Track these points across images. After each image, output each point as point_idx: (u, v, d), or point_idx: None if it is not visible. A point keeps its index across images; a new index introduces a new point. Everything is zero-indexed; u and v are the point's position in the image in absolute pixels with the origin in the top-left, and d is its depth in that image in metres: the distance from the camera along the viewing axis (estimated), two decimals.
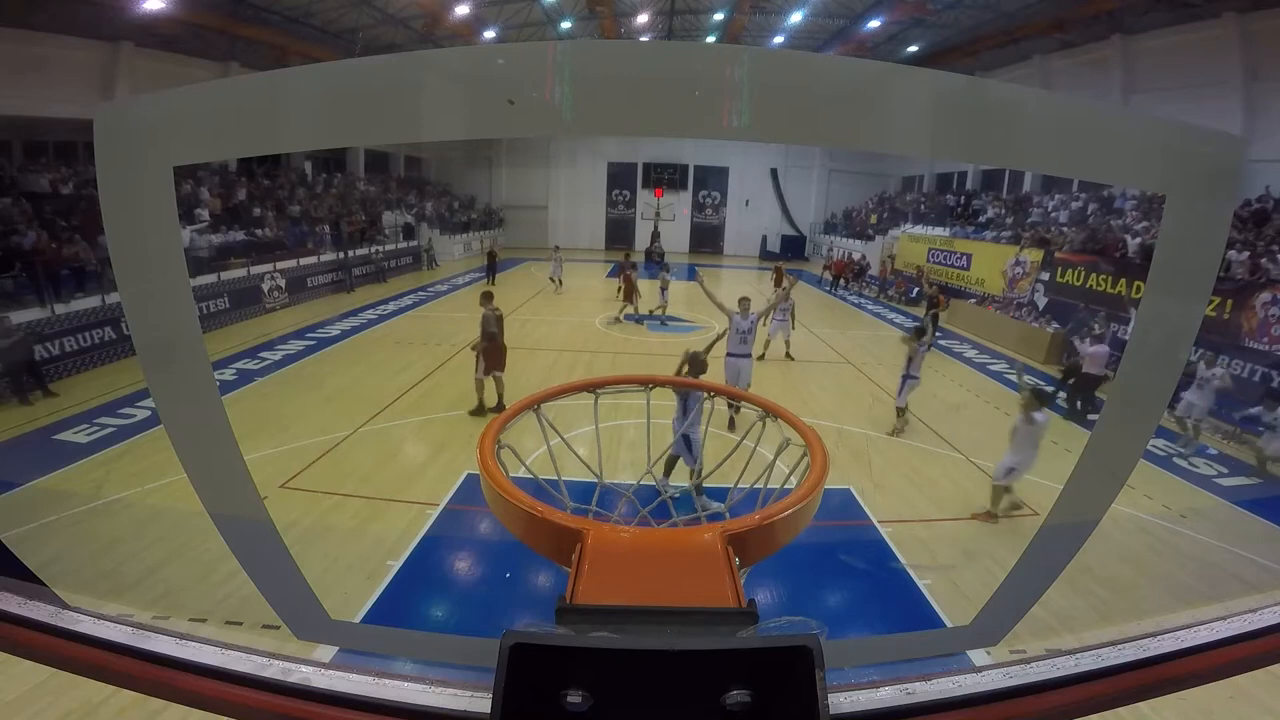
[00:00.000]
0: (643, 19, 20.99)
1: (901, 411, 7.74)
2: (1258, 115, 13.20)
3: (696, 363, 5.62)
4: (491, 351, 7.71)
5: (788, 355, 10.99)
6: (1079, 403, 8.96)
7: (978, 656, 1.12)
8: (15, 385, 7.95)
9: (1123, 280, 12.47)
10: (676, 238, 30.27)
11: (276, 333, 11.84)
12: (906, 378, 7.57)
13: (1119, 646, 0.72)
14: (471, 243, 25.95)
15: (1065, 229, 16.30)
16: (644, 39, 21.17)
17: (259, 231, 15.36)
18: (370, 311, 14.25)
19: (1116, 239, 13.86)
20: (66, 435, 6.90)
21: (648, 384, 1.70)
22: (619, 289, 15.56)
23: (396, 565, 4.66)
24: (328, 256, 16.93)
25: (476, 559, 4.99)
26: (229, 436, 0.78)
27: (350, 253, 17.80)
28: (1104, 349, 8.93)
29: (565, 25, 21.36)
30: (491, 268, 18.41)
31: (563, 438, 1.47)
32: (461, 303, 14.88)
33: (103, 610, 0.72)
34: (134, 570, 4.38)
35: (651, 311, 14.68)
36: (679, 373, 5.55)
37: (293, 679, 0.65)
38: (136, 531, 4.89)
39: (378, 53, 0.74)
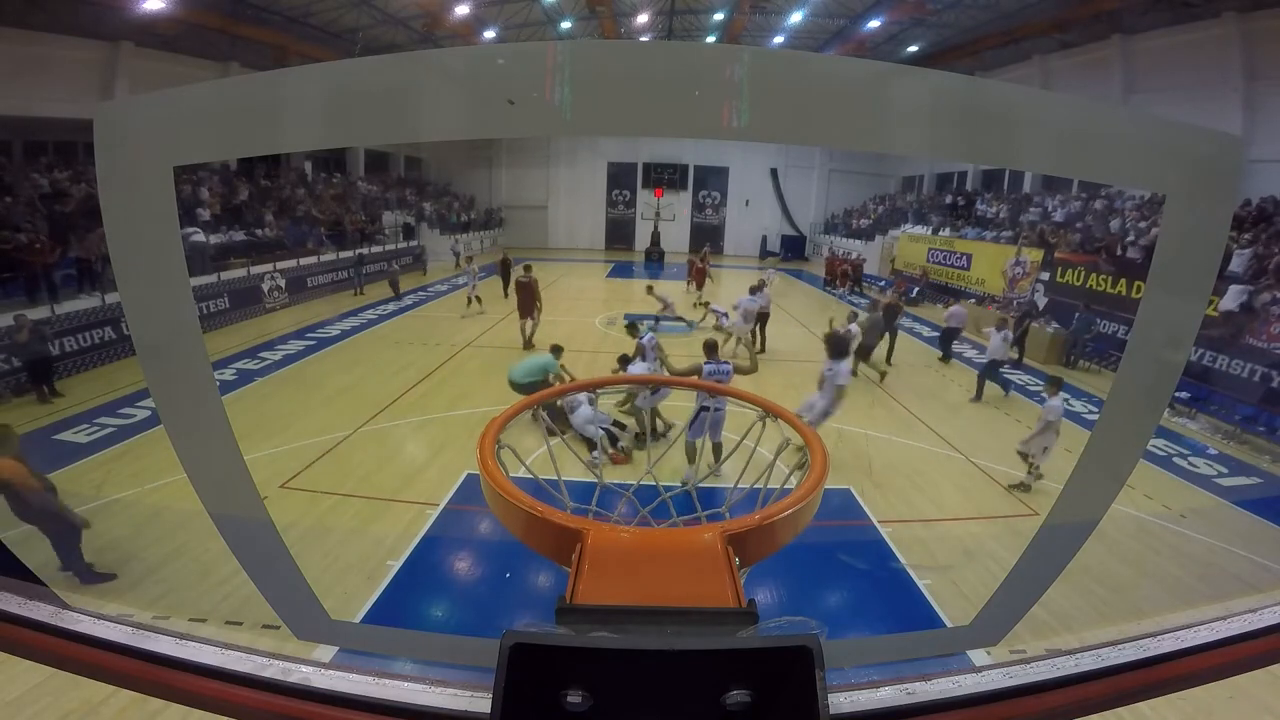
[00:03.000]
0: (643, 19, 20.97)
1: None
2: (1258, 115, 13.18)
3: (837, 341, 6.87)
4: (520, 301, 11.30)
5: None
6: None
7: (978, 656, 1.12)
8: (37, 383, 8.07)
9: (1123, 280, 12.47)
10: (676, 238, 30.22)
11: (276, 333, 11.84)
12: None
13: (1119, 646, 0.72)
14: (471, 243, 25.95)
15: (1064, 229, 16.29)
16: (644, 39, 21.17)
17: (259, 231, 15.35)
18: (370, 311, 14.23)
19: (1117, 239, 13.85)
20: (66, 435, 6.90)
21: (648, 384, 1.70)
22: (690, 280, 17.17)
23: (396, 565, 4.65)
24: (328, 256, 16.88)
25: (476, 559, 4.98)
26: (229, 436, 0.78)
27: (365, 251, 17.76)
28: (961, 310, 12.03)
29: (565, 25, 21.35)
30: (505, 275, 15.78)
31: (563, 438, 1.48)
32: (461, 302, 14.85)
33: (103, 610, 0.72)
34: (134, 570, 4.38)
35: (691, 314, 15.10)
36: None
37: (292, 679, 0.65)
38: (136, 531, 4.89)
39: (378, 53, 0.74)
